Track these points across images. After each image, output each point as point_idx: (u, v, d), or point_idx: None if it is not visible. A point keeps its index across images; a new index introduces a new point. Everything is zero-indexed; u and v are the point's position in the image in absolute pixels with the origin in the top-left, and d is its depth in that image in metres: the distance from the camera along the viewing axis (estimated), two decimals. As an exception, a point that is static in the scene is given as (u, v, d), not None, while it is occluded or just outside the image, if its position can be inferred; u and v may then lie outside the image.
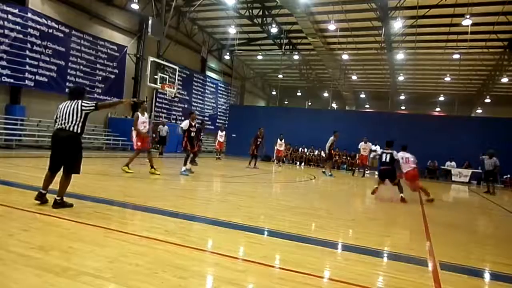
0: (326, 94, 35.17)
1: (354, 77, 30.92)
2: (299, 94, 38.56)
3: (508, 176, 18.13)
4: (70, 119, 4.64)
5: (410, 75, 28.07)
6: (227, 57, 29.99)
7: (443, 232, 5.70)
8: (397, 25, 18.97)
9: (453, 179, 18.77)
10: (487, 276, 3.82)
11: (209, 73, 28.66)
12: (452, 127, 19.89)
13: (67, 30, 16.89)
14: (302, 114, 25.11)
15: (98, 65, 18.71)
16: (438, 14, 18.29)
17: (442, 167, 19.80)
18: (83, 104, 4.73)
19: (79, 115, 4.68)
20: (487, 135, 18.62)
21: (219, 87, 29.94)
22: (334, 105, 34.19)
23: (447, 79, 26.89)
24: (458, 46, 20.97)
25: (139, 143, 9.39)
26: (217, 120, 29.75)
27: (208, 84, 28.30)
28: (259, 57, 29.43)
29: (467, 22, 17.16)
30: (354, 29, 21.60)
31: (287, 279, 2.95)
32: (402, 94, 33.80)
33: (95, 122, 18.86)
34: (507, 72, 23.31)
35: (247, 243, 4.04)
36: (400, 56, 22.54)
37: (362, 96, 36.91)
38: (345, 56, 24.95)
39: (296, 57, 28.86)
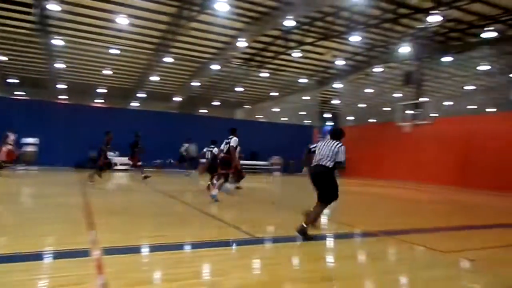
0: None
1: (2, 58, 26.08)
2: None
3: (159, 160, 21.22)
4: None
5: (71, 63, 26.98)
6: None
7: (107, 219, 5.98)
8: (54, 7, 17.55)
9: (116, 168, 19.89)
10: (145, 249, 4.38)
11: None
12: (112, 118, 20.98)
13: None
14: None
15: None
16: (96, 7, 18.45)
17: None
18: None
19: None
20: (143, 126, 21.02)
21: None
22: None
23: (108, 72, 27.93)
24: (116, 42, 22.18)
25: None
26: None
27: None
28: None
29: (123, 21, 18.41)
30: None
31: None
32: (64, 83, 31.99)
33: None
34: (157, 72, 27.16)
35: None
36: (58, 42, 21.17)
37: (13, 81, 31.85)
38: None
39: None
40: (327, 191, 5.04)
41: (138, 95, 32.72)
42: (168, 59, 23.33)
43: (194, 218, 6.66)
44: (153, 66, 25.70)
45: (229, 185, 8.85)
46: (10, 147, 12.79)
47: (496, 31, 16.94)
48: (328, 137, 5.31)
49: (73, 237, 4.64)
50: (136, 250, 4.29)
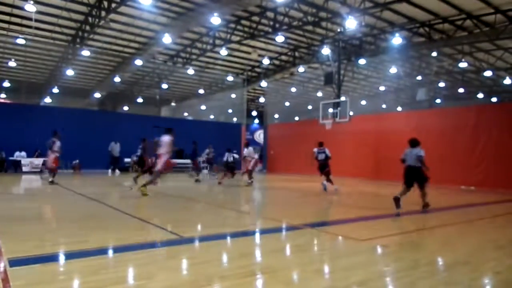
0: None
1: None
2: None
3: (77, 161, 19.83)
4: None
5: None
6: None
7: (16, 227, 5.40)
8: None
9: (24, 169, 18.07)
10: (62, 257, 4.04)
11: None
12: (20, 116, 18.99)
13: None
14: None
15: None
16: (-1, -9, 16.49)
17: (11, 158, 18.52)
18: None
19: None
20: (56, 123, 19.33)
21: None
22: None
23: (12, 64, 25.07)
24: (23, 31, 19.99)
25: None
26: None
27: None
28: None
29: (31, 8, 16.61)
30: None
31: None
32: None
33: None
34: (72, 66, 25.01)
35: None
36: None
37: None
38: None
39: None
40: (422, 180, 7.84)
41: (53, 90, 29.84)
42: (85, 53, 21.65)
43: (117, 221, 6.32)
44: (68, 59, 23.69)
45: (326, 183, 11.63)
46: (57, 154, 12.48)
47: (402, 38, 18.78)
48: (409, 146, 8.01)
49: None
50: (51, 258, 3.92)
